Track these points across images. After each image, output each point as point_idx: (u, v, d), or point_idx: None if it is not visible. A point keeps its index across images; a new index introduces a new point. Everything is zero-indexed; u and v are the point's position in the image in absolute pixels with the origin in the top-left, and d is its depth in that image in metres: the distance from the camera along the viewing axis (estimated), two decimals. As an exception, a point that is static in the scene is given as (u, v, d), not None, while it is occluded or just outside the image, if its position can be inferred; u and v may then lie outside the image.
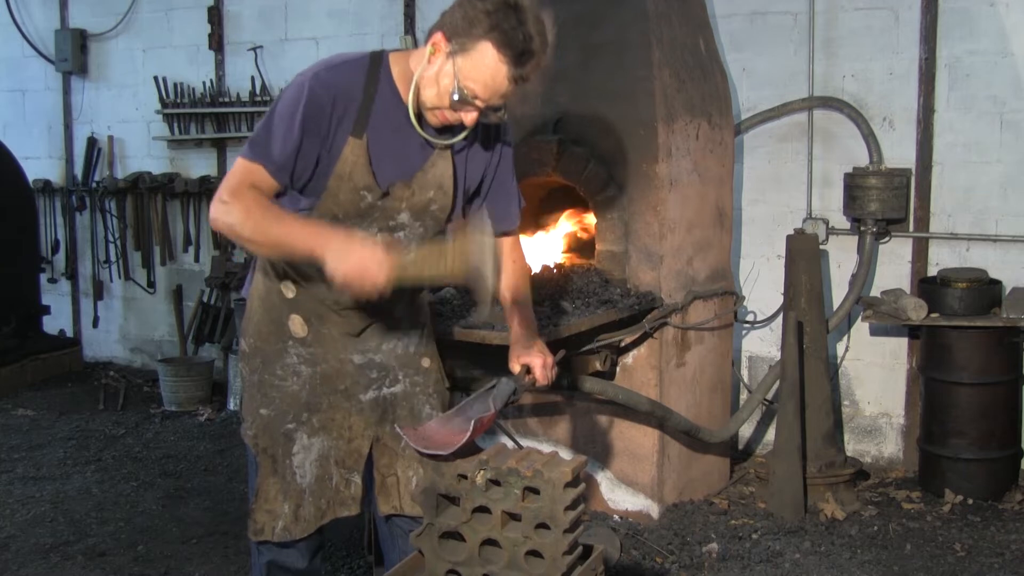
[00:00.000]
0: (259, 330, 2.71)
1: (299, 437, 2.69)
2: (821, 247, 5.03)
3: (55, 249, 7.38)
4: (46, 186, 7.30)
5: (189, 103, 6.71)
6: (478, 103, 2.41)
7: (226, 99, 6.64)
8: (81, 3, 7.16)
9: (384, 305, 2.59)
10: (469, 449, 2.20)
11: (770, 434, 5.18)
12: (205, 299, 6.69)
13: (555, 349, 2.76)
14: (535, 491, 2.07)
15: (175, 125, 6.81)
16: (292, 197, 2.52)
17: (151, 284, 7.08)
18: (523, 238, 4.01)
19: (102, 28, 7.07)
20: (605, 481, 4.47)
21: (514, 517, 2.10)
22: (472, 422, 2.28)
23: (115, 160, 7.14)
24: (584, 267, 4.39)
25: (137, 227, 7.01)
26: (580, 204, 4.56)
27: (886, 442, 5.19)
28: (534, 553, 2.07)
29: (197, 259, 6.89)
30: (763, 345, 5.36)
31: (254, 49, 6.54)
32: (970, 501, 4.62)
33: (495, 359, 2.91)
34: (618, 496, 4.46)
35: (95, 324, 7.31)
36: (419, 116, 2.50)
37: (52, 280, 7.45)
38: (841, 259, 5.16)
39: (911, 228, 5.02)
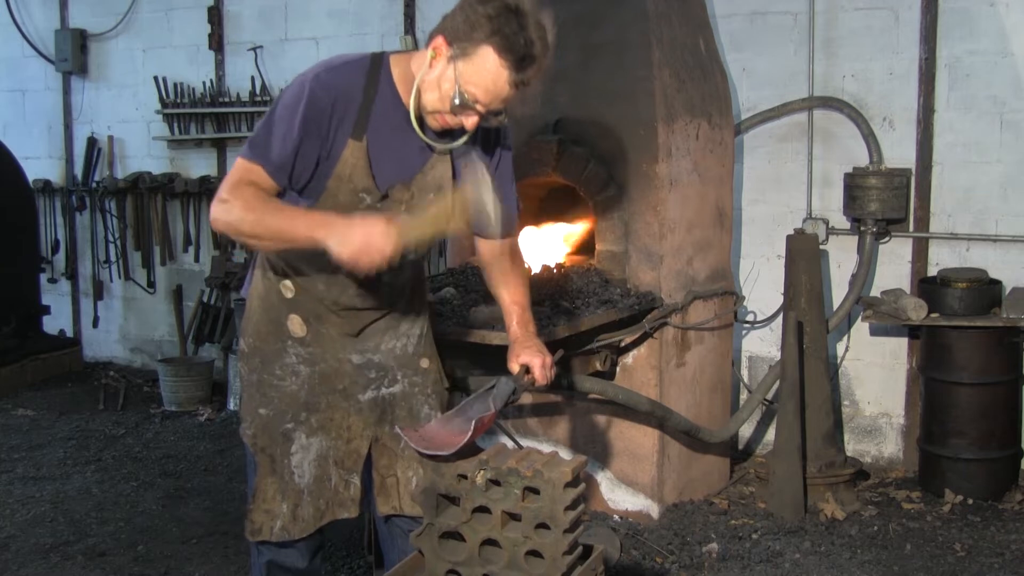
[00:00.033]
0: (258, 330, 2.71)
1: (298, 437, 2.70)
2: (821, 247, 5.03)
3: (55, 249, 7.38)
4: (46, 186, 7.30)
5: (189, 103, 6.72)
6: (479, 107, 2.41)
7: (226, 99, 6.65)
8: (81, 3, 7.16)
9: (393, 282, 2.59)
10: (469, 449, 2.20)
11: (770, 434, 5.18)
12: (205, 299, 6.69)
13: (555, 349, 2.76)
14: (535, 491, 2.07)
15: (175, 125, 6.81)
16: (291, 198, 2.52)
17: (151, 284, 7.08)
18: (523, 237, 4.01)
19: (102, 28, 7.07)
20: (605, 481, 4.47)
21: (514, 517, 2.10)
22: (472, 422, 2.29)
23: (115, 160, 7.14)
24: (584, 267, 4.39)
25: (137, 227, 7.01)
26: (580, 204, 4.56)
27: (886, 442, 5.19)
28: (534, 553, 2.08)
29: (197, 259, 6.89)
30: (763, 345, 5.36)
31: (254, 49, 6.54)
32: (970, 501, 4.62)
33: (495, 359, 2.92)
34: (618, 496, 4.46)
35: (95, 324, 7.31)
36: (419, 119, 2.50)
37: (52, 280, 7.45)
38: (841, 259, 5.16)
39: (911, 228, 5.02)
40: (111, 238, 7.14)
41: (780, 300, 4.97)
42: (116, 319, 7.34)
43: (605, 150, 4.34)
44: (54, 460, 5.30)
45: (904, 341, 5.09)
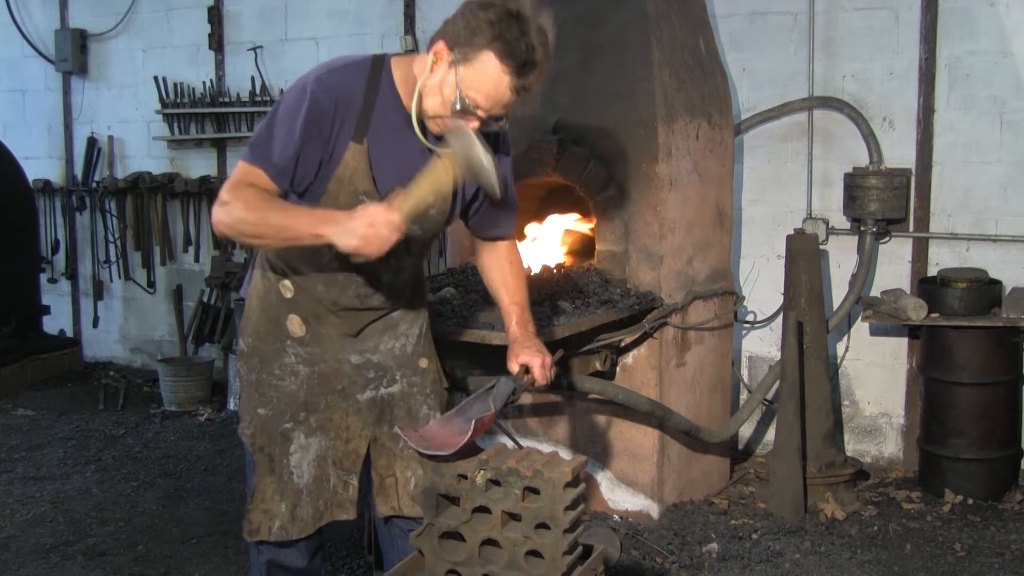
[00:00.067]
0: (257, 330, 2.71)
1: (296, 437, 2.70)
2: (821, 247, 5.03)
3: (55, 249, 7.38)
4: (46, 186, 7.30)
5: (189, 103, 6.72)
6: (480, 113, 2.40)
7: (226, 99, 6.65)
8: (81, 3, 7.16)
9: (393, 282, 2.61)
10: (470, 449, 2.20)
11: (770, 434, 5.18)
12: (205, 299, 6.69)
13: (555, 349, 2.76)
14: (535, 491, 2.07)
15: (175, 125, 6.81)
16: (291, 199, 2.52)
17: (151, 284, 7.08)
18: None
19: (102, 28, 7.07)
20: (605, 481, 4.47)
21: (514, 517, 2.10)
22: (472, 422, 2.29)
23: (115, 160, 7.14)
24: (584, 267, 4.39)
25: (137, 227, 7.01)
26: (580, 204, 4.56)
27: (886, 442, 5.19)
28: (534, 553, 2.08)
29: (197, 259, 6.89)
30: (763, 345, 5.36)
31: (254, 49, 6.54)
32: (970, 501, 4.61)
33: (495, 359, 2.92)
34: (618, 496, 4.46)
35: (95, 324, 7.31)
36: (420, 123, 2.50)
37: (52, 280, 7.45)
38: (841, 259, 5.16)
39: (911, 228, 5.02)
40: (111, 238, 7.14)
41: (780, 300, 4.97)
42: (116, 319, 7.34)
43: (605, 150, 4.34)
44: (54, 460, 5.30)
45: (904, 341, 5.09)
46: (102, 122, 7.17)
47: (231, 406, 6.13)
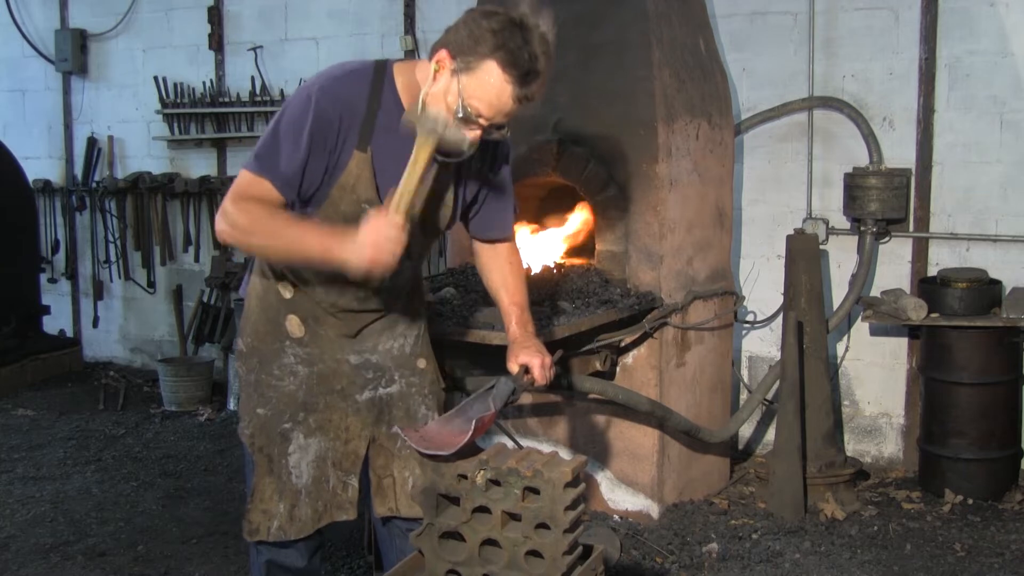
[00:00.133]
0: (256, 330, 2.71)
1: (295, 437, 2.70)
2: (821, 247, 5.03)
3: (55, 249, 7.38)
4: (46, 186, 7.30)
5: (189, 103, 6.72)
6: (482, 121, 2.40)
7: (226, 99, 6.65)
8: (81, 3, 7.16)
9: (392, 284, 2.62)
10: (470, 449, 2.20)
11: (770, 434, 5.18)
12: (205, 299, 6.69)
13: (555, 349, 2.77)
14: (535, 491, 2.07)
15: (175, 125, 6.81)
16: (295, 206, 2.53)
17: (151, 284, 7.08)
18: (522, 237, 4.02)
19: (102, 28, 7.07)
20: (605, 481, 4.47)
21: (514, 517, 2.10)
22: (473, 422, 2.29)
23: (115, 160, 7.14)
24: (584, 267, 4.39)
25: (137, 227, 7.01)
26: (580, 204, 4.56)
27: (886, 442, 5.19)
28: (534, 553, 2.08)
29: (197, 259, 6.89)
30: (763, 345, 5.36)
31: (254, 49, 6.54)
32: (970, 501, 4.61)
33: (495, 359, 2.92)
34: (618, 496, 4.46)
35: (95, 324, 7.31)
36: None
37: (52, 280, 7.45)
38: (841, 259, 5.16)
39: (911, 228, 5.02)
40: (111, 238, 7.14)
41: (780, 300, 4.97)
42: (116, 319, 7.34)
43: (605, 150, 4.34)
44: (54, 460, 5.30)
45: (904, 341, 5.09)
46: (102, 122, 7.17)
47: (231, 406, 6.13)
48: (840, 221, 5.15)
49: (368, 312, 2.70)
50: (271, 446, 2.70)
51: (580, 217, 4.59)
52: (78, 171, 7.24)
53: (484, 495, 2.09)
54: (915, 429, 5.00)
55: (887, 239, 5.05)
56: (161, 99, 6.76)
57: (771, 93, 5.21)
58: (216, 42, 6.68)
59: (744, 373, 5.38)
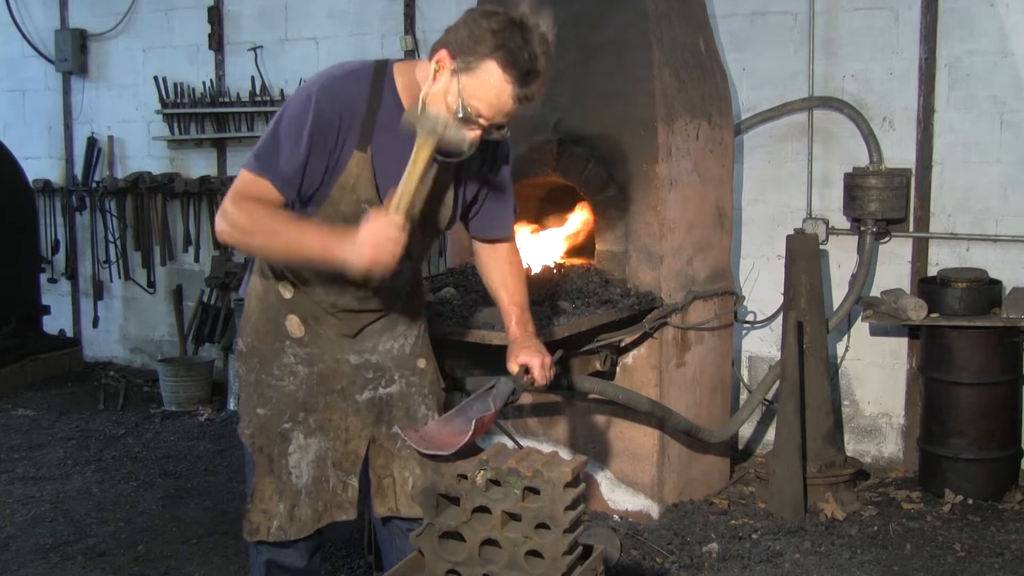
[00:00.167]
0: (256, 330, 2.71)
1: (295, 437, 2.70)
2: (821, 247, 5.03)
3: (55, 249, 7.38)
4: (46, 186, 7.30)
5: (189, 103, 6.72)
6: (482, 121, 2.40)
7: (226, 99, 6.65)
8: (81, 3, 7.16)
9: (392, 284, 2.62)
10: (470, 449, 2.20)
11: (770, 434, 5.17)
12: (205, 299, 6.69)
13: (555, 349, 2.77)
14: (535, 491, 2.07)
15: (175, 125, 6.81)
16: (295, 206, 2.53)
17: (151, 284, 7.08)
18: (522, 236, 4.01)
19: (102, 28, 7.07)
20: (605, 481, 4.47)
21: (514, 517, 2.10)
22: (473, 422, 2.29)
23: (115, 160, 7.14)
24: (584, 267, 4.39)
25: (137, 227, 7.01)
26: (580, 204, 4.56)
27: (886, 442, 5.19)
28: (534, 553, 2.08)
29: (197, 259, 6.89)
30: (763, 345, 5.36)
31: (254, 49, 6.54)
32: (970, 501, 4.61)
33: (495, 359, 2.92)
34: (618, 496, 4.46)
35: (95, 324, 7.31)
36: None
37: (52, 280, 7.45)
38: (841, 259, 5.16)
39: (911, 228, 5.02)
40: (111, 238, 7.14)
41: (780, 300, 4.97)
42: (116, 319, 7.34)
43: (605, 150, 4.34)
44: (54, 460, 5.30)
45: (904, 341, 5.09)
46: (102, 122, 7.17)
47: (231, 406, 6.13)
48: (840, 221, 5.15)
49: (368, 312, 2.71)
50: (271, 446, 2.70)
51: (580, 217, 4.59)
52: (78, 171, 7.24)
53: (484, 495, 2.09)
54: (915, 429, 5.00)
55: (887, 239, 5.05)
56: (161, 99, 6.76)
57: (771, 93, 5.21)
58: (216, 42, 6.68)
59: (744, 373, 5.38)
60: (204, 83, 6.69)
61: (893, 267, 5.07)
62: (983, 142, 4.88)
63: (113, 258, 7.14)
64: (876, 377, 5.18)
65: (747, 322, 5.31)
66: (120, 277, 7.16)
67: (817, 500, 4.54)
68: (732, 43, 5.25)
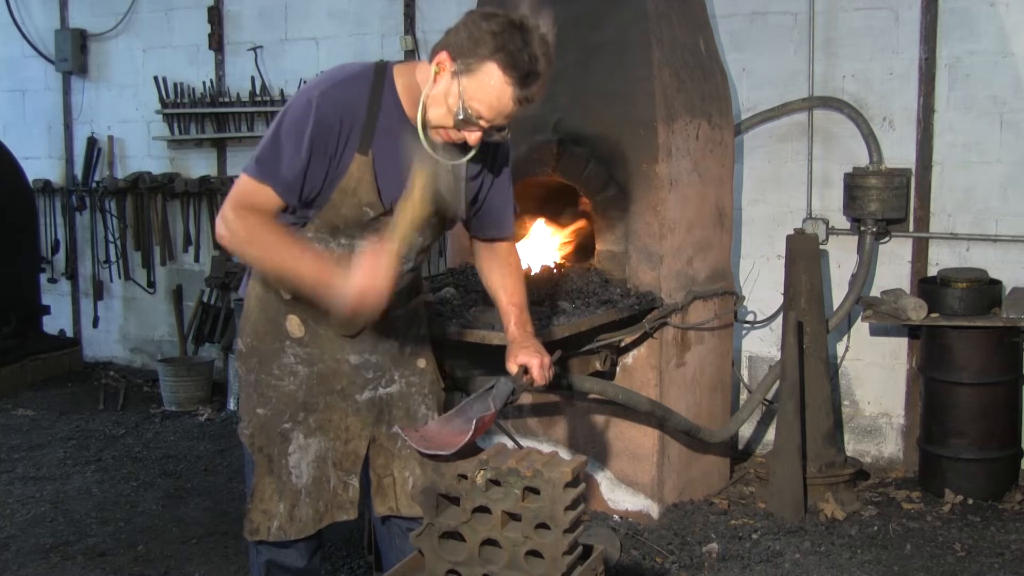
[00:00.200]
0: (256, 330, 2.71)
1: (295, 437, 2.70)
2: (821, 247, 5.03)
3: (55, 249, 7.38)
4: (46, 186, 7.30)
5: (189, 103, 6.72)
6: (482, 123, 2.41)
7: (226, 99, 6.65)
8: (81, 3, 7.16)
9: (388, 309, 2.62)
10: (470, 449, 2.20)
11: (770, 434, 5.18)
12: (205, 299, 6.69)
13: (555, 349, 2.77)
14: (535, 491, 2.07)
15: (175, 125, 6.81)
16: (297, 210, 2.54)
17: (151, 284, 7.08)
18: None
19: (102, 28, 7.07)
20: (605, 481, 4.47)
21: (514, 517, 2.10)
22: (473, 422, 2.29)
23: (115, 160, 7.14)
24: (584, 267, 4.39)
25: (137, 227, 7.01)
26: (580, 204, 4.56)
27: (886, 442, 5.19)
28: (534, 553, 2.08)
29: (197, 259, 6.89)
30: (763, 345, 5.36)
31: (254, 49, 6.54)
32: (970, 501, 4.61)
33: (495, 359, 2.92)
34: (618, 496, 4.46)
35: (95, 324, 7.31)
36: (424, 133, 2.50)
37: (52, 280, 7.45)
38: (841, 259, 5.16)
39: (911, 228, 5.02)
40: (111, 238, 7.14)
41: (780, 300, 4.97)
42: (116, 319, 7.34)
43: (605, 150, 4.34)
44: (54, 460, 5.30)
45: (904, 341, 5.09)
46: (102, 122, 7.17)
47: (231, 406, 6.13)
48: (840, 221, 5.15)
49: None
50: (271, 446, 2.70)
51: (579, 218, 4.60)
52: (78, 171, 7.24)
53: (484, 495, 2.09)
54: (915, 429, 5.00)
55: (887, 239, 5.05)
56: (161, 99, 6.76)
57: (771, 93, 5.21)
58: (216, 42, 6.68)
59: (744, 373, 5.38)
60: (204, 83, 6.69)
61: (893, 267, 5.07)
62: (983, 142, 4.88)
63: (113, 258, 7.14)
64: (876, 377, 5.18)
65: (747, 322, 5.31)
66: (120, 277, 7.16)
67: (817, 500, 4.54)
68: (732, 43, 5.25)
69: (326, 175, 2.47)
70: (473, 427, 2.25)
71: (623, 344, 4.28)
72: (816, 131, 5.16)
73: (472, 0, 4.79)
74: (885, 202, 4.86)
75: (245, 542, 2.81)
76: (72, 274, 7.41)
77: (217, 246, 6.69)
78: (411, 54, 5.96)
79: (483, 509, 2.10)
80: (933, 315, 4.63)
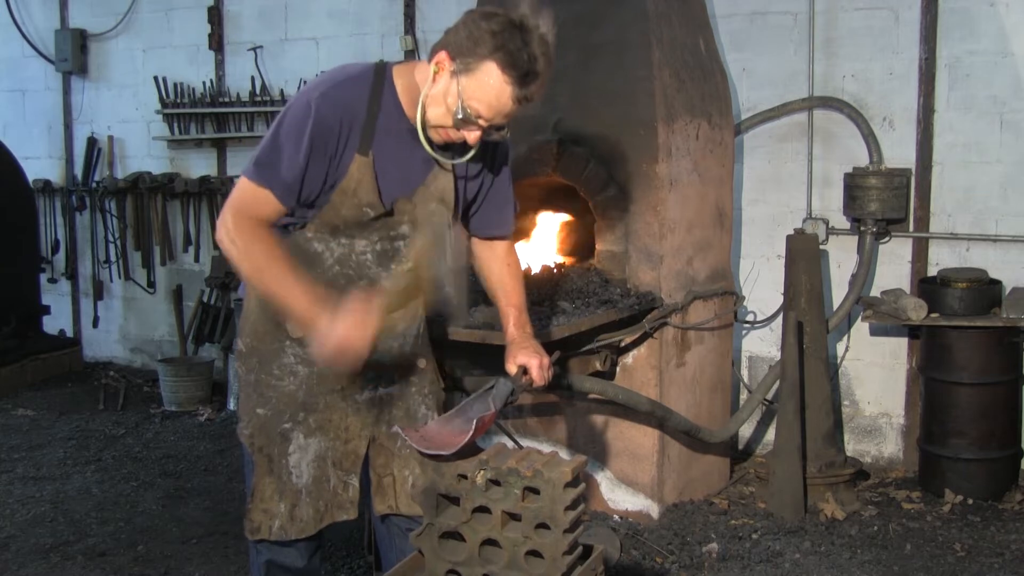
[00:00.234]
0: (256, 330, 2.71)
1: (295, 437, 2.70)
2: (821, 247, 5.03)
3: (55, 249, 7.38)
4: (46, 186, 7.30)
5: (189, 103, 6.72)
6: (482, 122, 2.41)
7: (226, 99, 6.65)
8: (81, 3, 7.16)
9: (399, 269, 2.65)
10: (470, 449, 2.20)
11: (770, 434, 5.18)
12: (205, 299, 6.69)
13: (555, 349, 2.77)
14: (535, 491, 2.07)
15: (175, 125, 6.81)
16: (297, 212, 2.54)
17: (151, 284, 7.08)
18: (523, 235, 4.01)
19: (102, 28, 7.07)
20: (605, 481, 4.47)
21: (514, 517, 2.10)
22: (473, 422, 2.29)
23: (115, 160, 7.14)
24: (584, 267, 4.39)
25: (137, 227, 7.01)
26: (580, 204, 4.56)
27: (886, 442, 5.19)
28: (534, 553, 2.07)
29: (197, 259, 6.89)
30: (763, 345, 5.36)
31: (254, 49, 6.54)
32: (970, 501, 4.61)
33: (494, 359, 2.92)
34: (618, 496, 4.46)
35: (95, 324, 7.31)
36: (424, 132, 2.50)
37: (52, 280, 7.45)
38: (841, 259, 5.16)
39: (911, 228, 5.02)
40: (111, 238, 7.14)
41: (780, 300, 4.97)
42: (116, 319, 7.34)
43: (605, 150, 4.34)
44: (54, 460, 5.30)
45: (904, 341, 5.09)
46: (102, 122, 7.17)
47: (231, 406, 6.13)
48: (840, 221, 5.15)
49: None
50: (271, 446, 2.70)
51: (578, 217, 4.60)
52: (78, 171, 7.24)
53: (484, 495, 2.09)
54: (915, 429, 5.00)
55: (887, 239, 5.05)
56: (161, 99, 6.76)
57: (771, 93, 5.21)
58: (216, 42, 6.68)
59: (744, 373, 5.38)
60: (204, 83, 6.69)
61: (893, 267, 5.07)
62: (983, 142, 4.88)
63: (113, 258, 7.14)
64: (876, 377, 5.18)
65: (747, 322, 5.31)
66: (120, 277, 7.16)
67: (817, 500, 4.54)
68: (732, 43, 5.25)
69: (326, 176, 2.47)
70: (473, 427, 2.25)
71: (623, 344, 4.28)
72: (816, 131, 5.16)
73: (472, 0, 4.79)
74: (885, 202, 4.86)
75: (245, 542, 2.81)
76: (72, 274, 7.41)
77: (217, 247, 6.67)
78: (411, 54, 5.96)
79: (483, 509, 2.10)
80: (933, 315, 4.63)
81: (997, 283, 4.76)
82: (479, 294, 3.78)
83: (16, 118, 7.47)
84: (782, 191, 5.26)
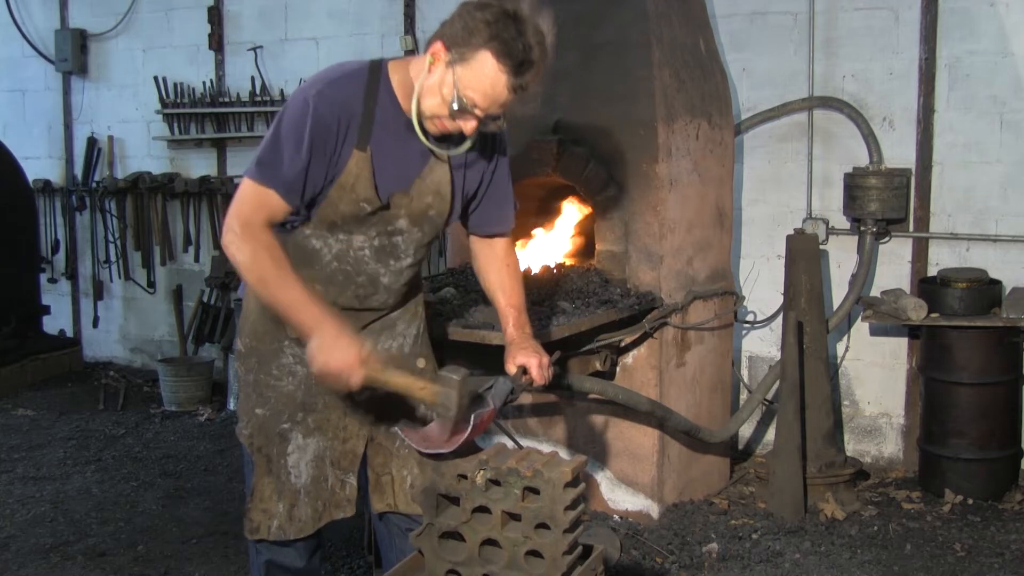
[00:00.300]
0: (255, 330, 2.71)
1: (294, 437, 2.70)
2: (821, 247, 5.03)
3: (55, 249, 7.38)
4: (46, 186, 7.30)
5: (189, 103, 6.72)
6: (477, 112, 2.42)
7: (226, 99, 6.65)
8: (81, 3, 7.16)
9: (392, 285, 2.68)
10: (469, 448, 2.20)
11: (770, 434, 5.17)
12: (205, 299, 6.69)
13: (555, 349, 2.77)
14: (535, 491, 2.07)
15: (175, 125, 6.81)
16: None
17: (151, 284, 7.08)
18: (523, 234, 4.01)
19: (102, 28, 7.07)
20: (605, 481, 4.47)
21: (514, 517, 2.10)
22: (472, 420, 2.29)
23: (115, 160, 7.14)
24: (584, 267, 4.39)
25: (137, 227, 7.01)
26: (580, 204, 4.56)
27: (886, 442, 5.19)
28: (534, 553, 2.07)
29: (197, 259, 6.89)
30: (763, 345, 5.36)
31: (254, 49, 6.54)
32: (970, 501, 4.61)
33: (494, 359, 2.92)
34: (618, 496, 4.46)
35: (95, 324, 7.31)
36: (419, 124, 2.51)
37: (52, 280, 7.45)
38: (841, 259, 5.16)
39: (911, 228, 5.02)
40: (111, 238, 7.14)
41: (780, 300, 4.97)
42: (116, 319, 7.34)
43: (605, 150, 4.34)
44: (54, 460, 5.30)
45: (904, 341, 5.09)
46: (102, 122, 7.17)
47: (231, 406, 6.12)
48: (840, 221, 5.15)
49: (368, 311, 2.71)
50: (270, 446, 2.70)
51: (575, 216, 4.60)
52: (78, 171, 7.24)
53: (484, 495, 2.09)
54: (915, 429, 5.00)
55: (887, 239, 5.05)
56: (161, 99, 6.76)
57: (771, 93, 5.21)
58: (216, 42, 6.68)
59: (744, 373, 5.38)
60: (204, 83, 6.69)
61: (893, 267, 5.07)
62: (983, 142, 4.88)
63: (113, 258, 7.14)
64: (876, 377, 5.18)
65: (747, 322, 5.31)
66: (120, 277, 7.16)
67: (817, 500, 4.54)
68: (732, 43, 5.25)
69: (326, 174, 2.48)
70: (472, 425, 2.25)
71: (623, 344, 4.28)
72: (816, 131, 5.16)
73: None
74: (885, 202, 4.86)
75: (245, 542, 2.81)
76: (72, 274, 7.41)
77: (217, 246, 6.69)
78: (411, 54, 5.94)
79: (483, 509, 2.10)
80: (933, 315, 4.63)
81: (997, 283, 4.76)
82: (480, 294, 3.79)
83: (16, 118, 7.47)
84: (782, 191, 5.26)
